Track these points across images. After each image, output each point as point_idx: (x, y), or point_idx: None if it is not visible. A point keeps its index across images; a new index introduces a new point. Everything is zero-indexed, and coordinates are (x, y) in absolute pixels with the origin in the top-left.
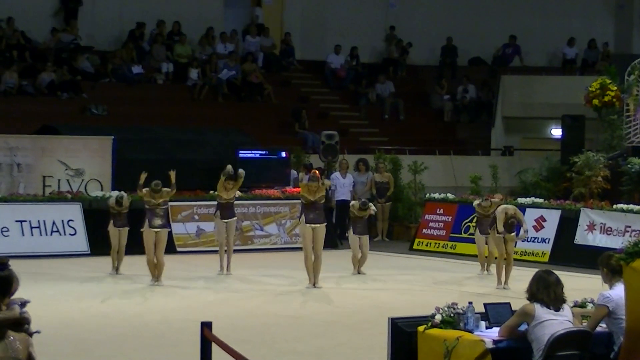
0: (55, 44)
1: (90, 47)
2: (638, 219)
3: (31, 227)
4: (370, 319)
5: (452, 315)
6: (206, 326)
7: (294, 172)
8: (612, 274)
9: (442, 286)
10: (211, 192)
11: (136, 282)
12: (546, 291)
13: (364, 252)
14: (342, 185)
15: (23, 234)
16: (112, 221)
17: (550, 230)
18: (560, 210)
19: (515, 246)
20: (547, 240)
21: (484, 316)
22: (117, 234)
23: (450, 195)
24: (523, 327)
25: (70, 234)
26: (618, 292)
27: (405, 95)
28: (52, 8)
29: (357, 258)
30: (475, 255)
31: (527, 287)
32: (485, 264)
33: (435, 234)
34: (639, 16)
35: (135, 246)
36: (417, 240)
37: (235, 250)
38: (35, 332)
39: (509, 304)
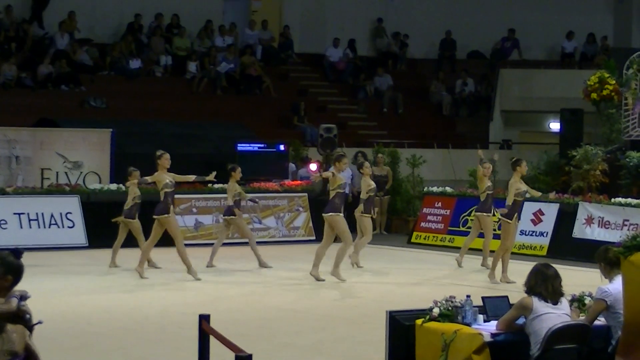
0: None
1: (88, 40)
2: (636, 213)
3: (29, 220)
4: (369, 313)
5: (450, 308)
6: (204, 319)
7: (292, 166)
8: (610, 267)
9: (440, 279)
10: (211, 185)
11: (134, 275)
12: (544, 284)
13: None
14: None
15: (21, 227)
16: (136, 212)
17: (548, 224)
18: (558, 204)
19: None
20: (545, 234)
21: (482, 309)
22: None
23: (448, 189)
24: (521, 321)
25: (69, 227)
26: (617, 286)
27: (404, 89)
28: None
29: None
30: (474, 249)
31: (525, 281)
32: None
33: (433, 227)
34: (638, 10)
35: (132, 239)
36: (415, 233)
37: (234, 244)
38: (37, 323)
39: (507, 297)
